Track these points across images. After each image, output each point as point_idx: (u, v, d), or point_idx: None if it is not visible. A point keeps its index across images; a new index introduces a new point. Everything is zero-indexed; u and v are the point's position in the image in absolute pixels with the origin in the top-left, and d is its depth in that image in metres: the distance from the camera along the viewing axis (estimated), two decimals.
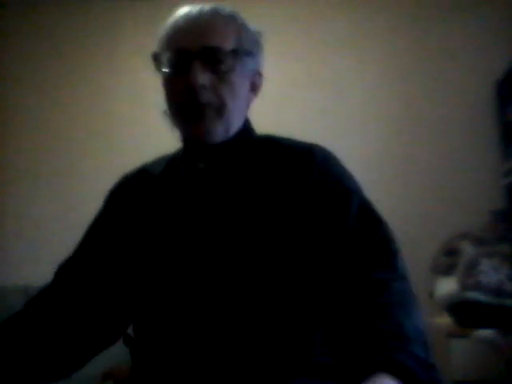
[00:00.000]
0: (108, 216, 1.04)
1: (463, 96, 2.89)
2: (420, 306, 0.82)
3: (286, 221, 0.89)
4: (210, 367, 0.82)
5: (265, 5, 2.94)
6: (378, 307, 0.78)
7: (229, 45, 0.94)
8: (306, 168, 0.94)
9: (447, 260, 2.42)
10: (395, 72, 2.98)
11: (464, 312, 2.11)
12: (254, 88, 1.03)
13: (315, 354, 0.85)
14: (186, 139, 0.99)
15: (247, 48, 0.97)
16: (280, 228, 0.88)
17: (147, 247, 0.94)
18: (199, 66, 0.92)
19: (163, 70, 0.96)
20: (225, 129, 0.95)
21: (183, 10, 0.98)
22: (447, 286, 2.27)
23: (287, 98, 2.93)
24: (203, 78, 0.91)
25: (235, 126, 0.98)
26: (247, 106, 1.02)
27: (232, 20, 0.97)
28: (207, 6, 0.97)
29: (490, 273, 2.16)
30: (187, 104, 0.93)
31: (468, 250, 2.32)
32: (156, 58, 0.98)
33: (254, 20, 1.02)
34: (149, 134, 2.51)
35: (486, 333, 2.03)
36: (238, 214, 0.90)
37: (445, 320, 2.13)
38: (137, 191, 1.02)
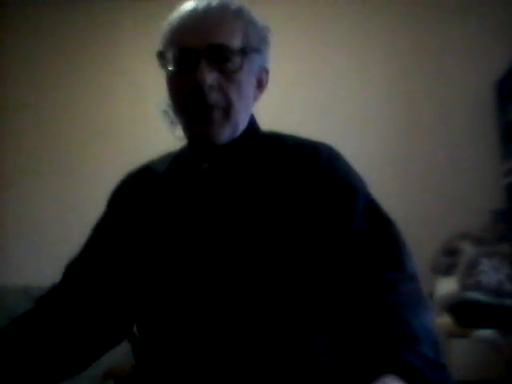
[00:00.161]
0: (113, 215, 1.03)
1: (463, 96, 2.89)
2: (429, 305, 0.82)
3: (290, 220, 0.88)
4: (212, 367, 0.82)
5: (265, 4, 2.94)
6: (386, 307, 0.77)
7: (236, 42, 0.91)
8: (310, 166, 0.92)
9: (447, 260, 2.42)
10: (395, 72, 2.98)
11: (464, 312, 2.11)
12: (261, 85, 1.00)
13: (320, 355, 0.84)
14: (192, 139, 0.98)
15: (254, 45, 0.94)
16: (284, 228, 0.87)
17: (150, 247, 0.94)
18: (206, 65, 0.89)
19: (168, 68, 0.93)
20: (232, 130, 0.94)
21: (189, 5, 0.94)
22: (447, 286, 2.27)
23: (288, 98, 2.92)
24: (210, 77, 0.89)
25: (242, 125, 0.96)
26: (253, 103, 1.00)
27: (240, 16, 0.94)
28: (214, 1, 0.93)
29: (490, 273, 2.16)
30: (194, 104, 0.91)
31: (468, 250, 2.32)
32: (161, 56, 0.95)
33: None
34: (149, 133, 2.51)
35: (486, 333, 2.03)
36: (241, 214, 0.90)
37: (445, 320, 2.13)
38: (141, 190, 1.01)
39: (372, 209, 0.91)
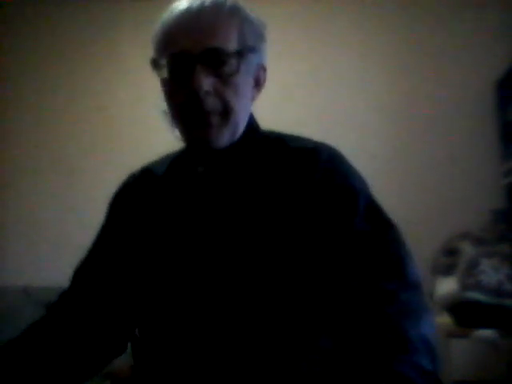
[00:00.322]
0: (114, 218, 1.03)
1: (463, 96, 2.89)
2: (430, 313, 0.80)
3: (288, 223, 0.86)
4: (210, 368, 0.82)
5: (265, 4, 2.94)
6: (384, 318, 0.76)
7: (232, 44, 0.88)
8: (310, 166, 0.90)
9: (447, 260, 2.42)
10: (395, 72, 2.98)
11: (464, 312, 2.11)
12: (258, 83, 0.97)
13: (317, 359, 0.83)
14: (190, 142, 0.96)
15: (251, 44, 0.91)
16: (281, 230, 0.86)
17: (149, 250, 0.94)
18: (202, 71, 0.86)
19: (163, 75, 0.91)
20: (231, 133, 0.92)
21: (181, 4, 0.91)
22: (447, 286, 2.27)
23: (288, 97, 2.92)
24: (207, 83, 0.86)
25: (241, 127, 0.94)
26: (251, 103, 0.98)
27: (235, 14, 0.91)
28: (207, 1, 0.89)
29: (490, 273, 2.15)
30: (191, 111, 0.89)
31: (468, 250, 2.32)
32: (155, 64, 0.92)
33: None
34: (149, 133, 2.50)
35: (486, 333, 2.03)
36: (237, 217, 0.88)
37: (445, 320, 2.13)
38: (140, 193, 1.01)
39: (373, 211, 0.88)
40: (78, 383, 0.97)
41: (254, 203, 0.89)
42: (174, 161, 1.02)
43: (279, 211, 0.87)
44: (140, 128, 2.96)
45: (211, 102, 0.88)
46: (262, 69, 0.98)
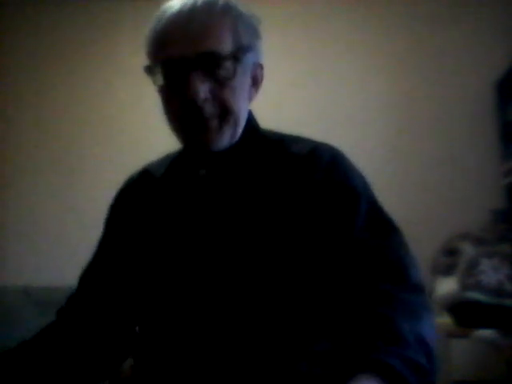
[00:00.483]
0: (116, 221, 1.03)
1: (463, 96, 2.89)
2: (431, 318, 0.78)
3: (289, 224, 0.86)
4: (210, 368, 0.82)
5: (265, 4, 2.94)
6: (376, 315, 0.75)
7: (227, 45, 0.86)
8: (311, 167, 0.89)
9: (447, 260, 2.42)
10: (395, 72, 2.98)
11: (464, 312, 2.11)
12: (256, 82, 0.95)
13: (315, 362, 0.83)
14: (188, 145, 0.95)
15: (246, 42, 0.89)
16: (282, 232, 0.85)
17: (150, 251, 0.94)
18: (197, 77, 0.84)
19: (158, 82, 0.88)
20: (231, 134, 0.91)
21: (173, 6, 0.87)
22: (447, 286, 2.27)
23: (288, 98, 2.92)
24: (204, 90, 0.84)
25: (241, 127, 0.93)
26: (250, 102, 0.95)
27: (228, 12, 0.87)
28: (199, 1, 0.86)
29: (489, 273, 2.16)
30: (189, 117, 0.87)
31: (468, 250, 2.32)
32: (149, 71, 0.89)
33: None
34: (149, 133, 2.51)
35: (486, 333, 2.02)
36: (238, 219, 0.88)
37: (445, 320, 2.13)
38: (139, 195, 1.01)
39: (374, 212, 0.88)
40: None
41: (256, 205, 0.88)
42: (173, 162, 1.01)
43: (281, 213, 0.87)
44: (140, 128, 2.97)
45: (209, 108, 0.86)
46: (259, 67, 0.95)
